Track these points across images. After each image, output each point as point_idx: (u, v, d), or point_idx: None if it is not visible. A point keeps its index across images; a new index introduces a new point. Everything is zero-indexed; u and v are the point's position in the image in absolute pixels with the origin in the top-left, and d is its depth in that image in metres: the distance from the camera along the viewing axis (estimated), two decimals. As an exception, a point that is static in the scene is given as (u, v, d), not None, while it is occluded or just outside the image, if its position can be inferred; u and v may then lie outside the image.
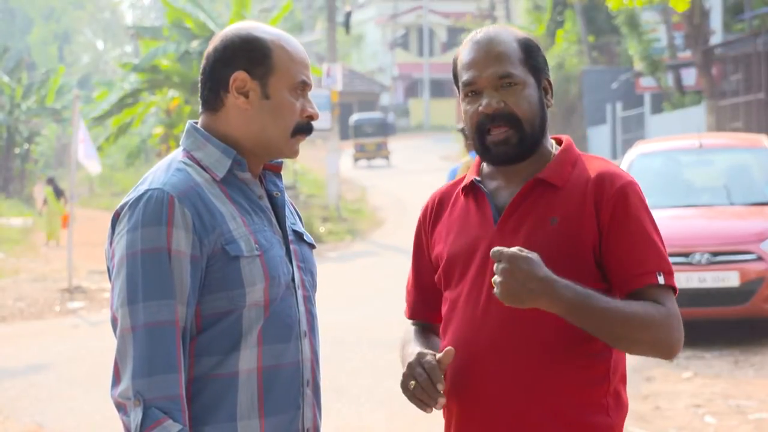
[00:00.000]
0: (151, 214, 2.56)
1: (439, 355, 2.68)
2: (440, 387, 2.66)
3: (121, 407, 2.53)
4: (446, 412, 2.84)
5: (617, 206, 2.70)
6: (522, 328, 2.70)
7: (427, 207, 2.95)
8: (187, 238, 2.56)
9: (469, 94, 2.78)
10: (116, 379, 2.55)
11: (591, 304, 2.61)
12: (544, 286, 2.57)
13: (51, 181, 28.87)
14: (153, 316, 2.52)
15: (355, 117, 47.85)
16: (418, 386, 2.67)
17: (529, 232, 2.72)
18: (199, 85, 2.73)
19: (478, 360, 2.73)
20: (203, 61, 2.73)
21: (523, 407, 2.71)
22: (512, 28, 2.86)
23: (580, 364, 2.70)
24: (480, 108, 2.75)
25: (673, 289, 2.73)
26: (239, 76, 2.66)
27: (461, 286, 2.80)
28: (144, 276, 2.53)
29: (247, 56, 2.67)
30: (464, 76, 2.78)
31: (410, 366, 2.69)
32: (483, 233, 2.77)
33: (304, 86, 2.71)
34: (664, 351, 2.70)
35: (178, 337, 2.54)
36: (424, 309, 2.97)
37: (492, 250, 2.58)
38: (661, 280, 2.70)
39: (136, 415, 2.49)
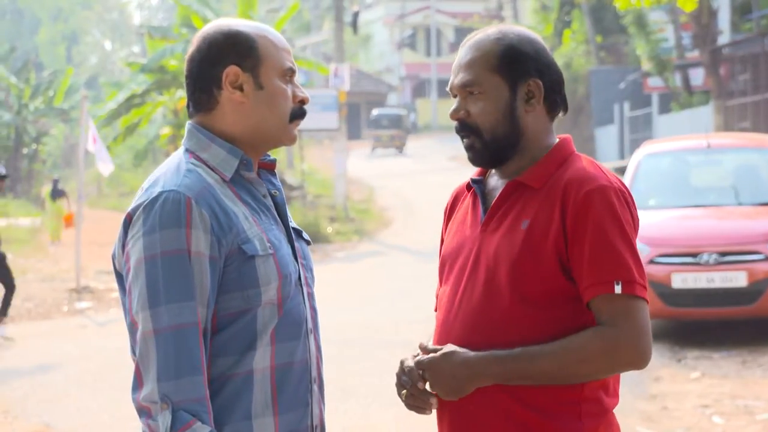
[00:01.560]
0: (169, 216, 2.54)
1: (417, 358, 2.73)
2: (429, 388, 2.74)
3: (144, 411, 2.51)
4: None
5: (579, 212, 2.66)
6: (485, 331, 2.71)
7: (447, 203, 3.01)
8: (206, 239, 2.55)
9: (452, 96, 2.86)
10: (138, 383, 2.54)
11: (520, 365, 2.64)
12: (470, 371, 2.65)
13: (53, 182, 29.04)
14: (176, 318, 2.51)
15: (375, 111, 52.14)
16: (408, 393, 2.75)
17: (503, 235, 2.74)
18: (186, 88, 2.73)
19: None
20: (187, 65, 2.71)
21: (484, 409, 2.71)
22: (512, 30, 2.84)
23: None
24: (449, 114, 2.83)
25: (640, 297, 2.66)
26: (231, 71, 2.67)
27: (447, 285, 2.85)
28: (165, 278, 2.52)
29: (234, 51, 2.68)
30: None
31: (397, 376, 2.77)
32: (471, 234, 2.82)
33: (292, 73, 2.73)
34: (626, 368, 2.67)
35: (200, 338, 2.54)
36: None
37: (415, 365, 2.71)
38: (618, 289, 2.63)
39: (164, 419, 2.47)
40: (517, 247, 2.70)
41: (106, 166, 17.68)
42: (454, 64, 2.85)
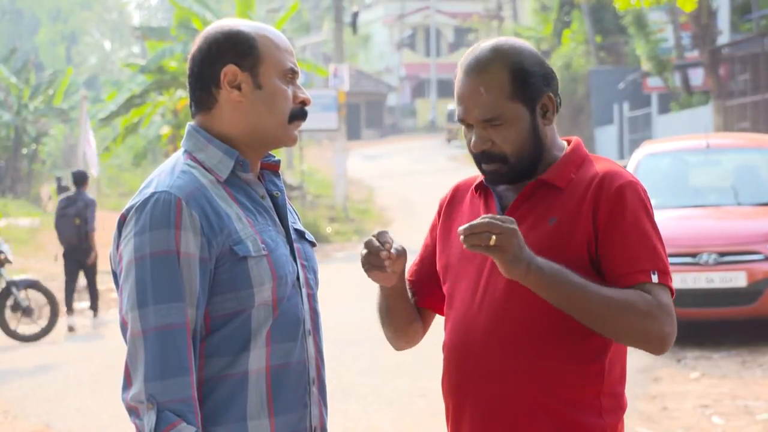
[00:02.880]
0: (159, 217, 2.55)
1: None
2: (387, 246, 2.75)
3: (133, 411, 2.52)
4: (446, 409, 2.87)
5: (614, 205, 2.71)
6: (513, 326, 2.71)
7: (445, 196, 3.01)
8: (195, 240, 2.56)
9: (464, 125, 2.83)
10: (127, 383, 2.55)
11: (570, 278, 2.63)
12: (530, 254, 2.61)
13: (57, 180, 29.36)
14: (163, 319, 2.52)
15: (450, 106, 53.99)
16: (367, 252, 2.76)
17: (527, 231, 2.74)
18: (188, 88, 2.73)
19: (470, 357, 2.77)
20: (189, 64, 2.72)
21: (511, 404, 2.73)
22: (509, 45, 2.80)
23: (571, 363, 2.71)
24: (471, 144, 2.81)
25: (670, 289, 2.73)
26: (229, 70, 2.67)
27: (459, 283, 2.84)
28: (153, 279, 2.53)
29: (233, 50, 2.68)
30: (456, 109, 2.83)
31: (364, 243, 2.79)
32: None
33: (293, 73, 2.72)
34: (652, 342, 2.69)
35: (188, 339, 2.54)
36: (417, 291, 3.01)
37: (478, 222, 2.59)
38: (654, 278, 2.69)
39: (149, 419, 2.48)
40: (545, 243, 2.72)
41: (93, 169, 17.90)
42: (461, 92, 2.79)
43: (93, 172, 18.23)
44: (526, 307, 2.71)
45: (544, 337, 2.70)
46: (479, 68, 2.78)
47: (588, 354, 2.71)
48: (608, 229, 2.71)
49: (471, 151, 2.83)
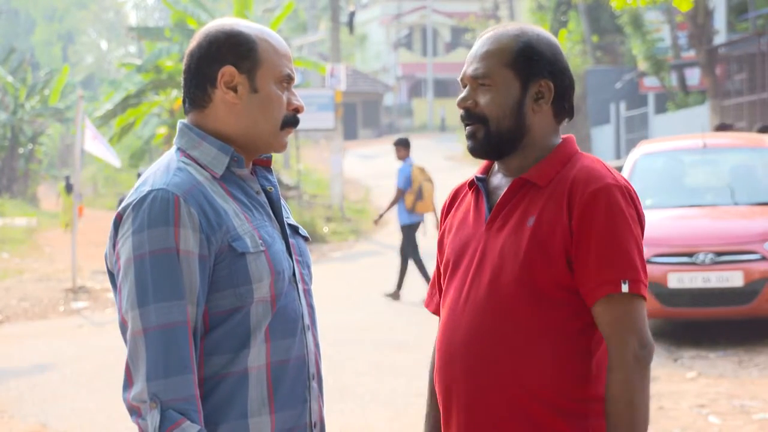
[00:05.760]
0: (158, 215, 2.54)
1: None
2: None
3: (134, 410, 2.51)
4: (439, 406, 2.88)
5: (586, 210, 2.68)
6: (494, 327, 2.71)
7: (445, 202, 3.02)
8: (194, 237, 2.55)
9: (462, 86, 2.88)
10: (128, 383, 2.54)
11: None
12: None
13: (66, 178, 29.95)
14: (165, 317, 2.51)
15: None
16: None
17: (509, 233, 2.75)
18: (183, 84, 2.72)
19: (455, 357, 2.77)
20: (186, 60, 2.72)
21: (492, 405, 2.72)
22: (532, 29, 2.84)
23: (554, 365, 2.69)
24: (458, 101, 2.85)
25: (642, 297, 2.69)
26: (227, 71, 2.67)
27: (452, 283, 2.84)
28: (153, 277, 2.52)
29: (233, 51, 2.67)
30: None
31: None
32: (475, 232, 2.82)
33: (290, 79, 2.72)
34: (648, 369, 2.69)
35: (190, 337, 2.53)
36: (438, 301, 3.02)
37: None
38: (625, 288, 2.65)
39: (153, 418, 2.47)
40: (523, 244, 2.71)
41: (112, 159, 17.83)
42: (468, 55, 2.85)
43: (114, 162, 18.19)
44: (506, 313, 2.70)
45: (525, 338, 2.69)
46: (493, 34, 2.84)
47: (573, 356, 2.69)
48: (580, 238, 2.68)
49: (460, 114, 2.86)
